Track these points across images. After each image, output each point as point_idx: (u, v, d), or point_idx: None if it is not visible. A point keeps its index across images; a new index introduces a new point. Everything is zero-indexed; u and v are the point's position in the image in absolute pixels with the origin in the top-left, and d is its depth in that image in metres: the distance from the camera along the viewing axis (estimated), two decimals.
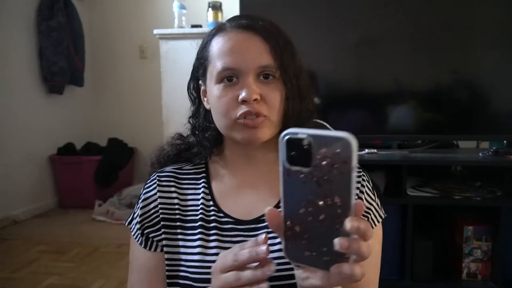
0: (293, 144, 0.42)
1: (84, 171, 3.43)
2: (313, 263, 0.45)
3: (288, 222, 0.45)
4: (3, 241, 2.73)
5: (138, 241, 0.71)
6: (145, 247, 0.70)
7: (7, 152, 3.09)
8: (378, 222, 0.73)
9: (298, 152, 0.42)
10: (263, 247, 0.48)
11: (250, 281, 0.47)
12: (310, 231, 0.44)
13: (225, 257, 0.50)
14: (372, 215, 0.72)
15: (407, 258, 1.64)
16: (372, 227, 0.70)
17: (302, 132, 0.42)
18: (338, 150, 0.40)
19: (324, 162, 0.41)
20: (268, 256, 0.48)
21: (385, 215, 0.75)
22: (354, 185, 0.40)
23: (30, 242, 2.69)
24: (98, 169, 3.46)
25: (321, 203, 0.42)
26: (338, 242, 0.40)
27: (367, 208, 0.71)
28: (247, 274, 0.48)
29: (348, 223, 0.40)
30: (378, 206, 0.74)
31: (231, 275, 0.49)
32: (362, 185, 0.71)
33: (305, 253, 0.45)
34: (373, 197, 0.73)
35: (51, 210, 3.47)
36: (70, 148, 3.60)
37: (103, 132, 3.87)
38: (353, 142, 0.40)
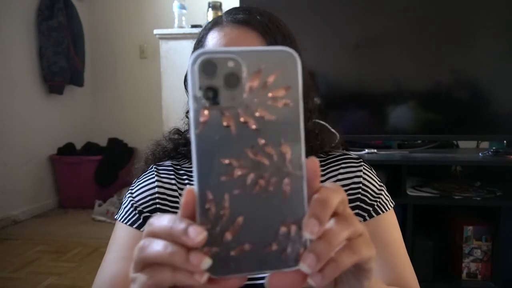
0: (212, 69, 0.28)
1: (84, 171, 3.43)
2: (261, 265, 0.29)
3: (207, 202, 0.28)
4: (3, 241, 2.73)
5: (126, 221, 0.65)
6: (138, 227, 0.64)
7: (7, 152, 3.09)
8: (391, 206, 0.68)
9: (221, 81, 0.28)
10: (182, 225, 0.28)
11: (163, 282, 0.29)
12: (244, 209, 0.29)
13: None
14: (383, 198, 0.67)
15: None
16: (383, 211, 0.66)
17: (224, 50, 0.28)
18: (279, 70, 0.28)
19: (260, 91, 0.28)
20: None
21: (394, 203, 0.70)
22: (303, 121, 0.29)
23: (30, 242, 2.68)
24: (98, 169, 3.46)
25: (258, 157, 0.28)
26: (306, 224, 0.28)
27: (378, 192, 0.67)
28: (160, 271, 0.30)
29: (308, 218, 0.28)
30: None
31: (142, 275, 0.31)
32: (367, 171, 0.68)
33: (243, 250, 0.29)
34: (381, 182, 0.69)
35: (51, 210, 3.47)
36: (70, 148, 3.59)
37: (103, 132, 3.86)
38: (297, 56, 0.29)
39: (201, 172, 0.29)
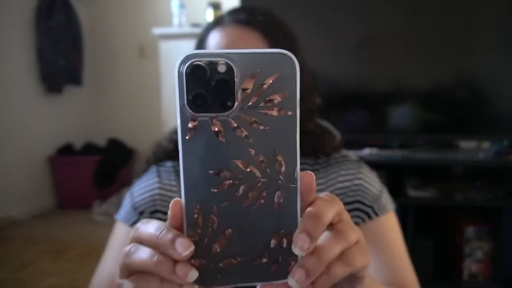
0: (201, 74, 0.26)
1: (83, 171, 3.42)
2: (250, 276, 0.28)
3: (195, 213, 0.27)
4: (2, 241, 2.72)
5: (125, 220, 0.65)
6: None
7: (5, 152, 3.08)
8: (391, 209, 0.67)
9: (211, 87, 0.26)
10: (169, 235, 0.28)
11: None
12: (233, 221, 0.28)
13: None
14: (383, 200, 0.66)
15: None
16: (383, 213, 0.65)
17: (214, 53, 0.26)
18: (275, 75, 0.26)
19: (253, 98, 0.26)
20: None
21: (394, 205, 0.70)
22: (299, 130, 0.27)
23: (29, 243, 2.67)
24: (97, 170, 3.45)
25: (250, 168, 0.27)
26: (296, 240, 0.27)
27: (377, 194, 0.66)
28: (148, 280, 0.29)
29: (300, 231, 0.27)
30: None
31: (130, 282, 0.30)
32: (367, 173, 0.68)
33: (232, 262, 0.28)
34: (381, 184, 0.69)
35: (50, 211, 3.46)
36: (69, 148, 3.59)
37: (102, 132, 3.86)
38: (295, 60, 0.27)
39: (188, 183, 0.27)
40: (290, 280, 0.28)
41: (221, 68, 0.26)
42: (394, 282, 0.60)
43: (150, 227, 0.29)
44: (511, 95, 1.77)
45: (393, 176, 1.72)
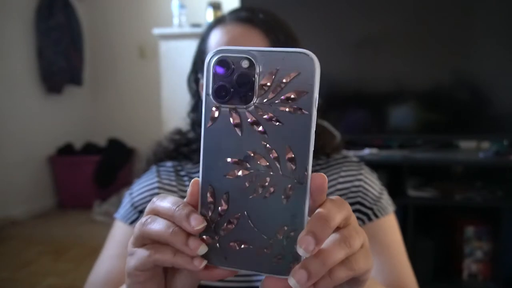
0: (225, 68, 0.28)
1: (83, 172, 3.42)
2: (252, 264, 0.29)
3: (209, 195, 0.29)
4: (2, 241, 2.72)
5: (125, 219, 0.65)
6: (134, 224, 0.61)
7: (6, 152, 3.08)
8: (391, 210, 0.67)
9: (233, 81, 0.28)
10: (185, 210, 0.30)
11: (168, 260, 0.30)
12: (242, 209, 0.29)
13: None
14: (384, 202, 0.66)
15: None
16: (383, 214, 0.65)
17: (240, 50, 0.28)
18: (295, 74, 0.28)
19: (272, 93, 0.28)
20: None
21: (395, 207, 0.70)
22: (314, 130, 0.28)
23: (29, 243, 2.67)
24: (97, 169, 3.45)
25: (262, 161, 0.28)
26: (301, 241, 0.27)
27: (378, 196, 0.66)
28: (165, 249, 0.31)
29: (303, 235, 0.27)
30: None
31: (144, 250, 0.32)
32: (367, 174, 0.68)
33: (237, 246, 0.29)
34: (382, 186, 0.70)
35: (50, 211, 3.45)
36: (69, 148, 3.59)
37: (102, 132, 3.85)
38: (316, 60, 0.28)
39: (206, 166, 0.29)
40: (291, 280, 0.28)
41: (244, 64, 0.28)
42: (394, 284, 0.60)
43: (167, 201, 0.32)
44: (511, 95, 1.77)
45: (393, 176, 1.72)
